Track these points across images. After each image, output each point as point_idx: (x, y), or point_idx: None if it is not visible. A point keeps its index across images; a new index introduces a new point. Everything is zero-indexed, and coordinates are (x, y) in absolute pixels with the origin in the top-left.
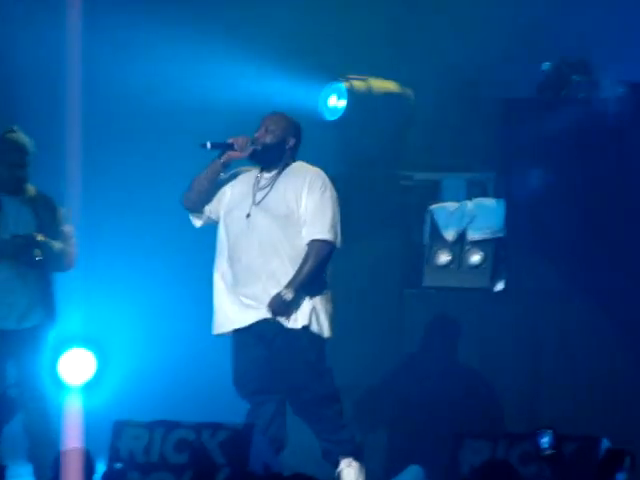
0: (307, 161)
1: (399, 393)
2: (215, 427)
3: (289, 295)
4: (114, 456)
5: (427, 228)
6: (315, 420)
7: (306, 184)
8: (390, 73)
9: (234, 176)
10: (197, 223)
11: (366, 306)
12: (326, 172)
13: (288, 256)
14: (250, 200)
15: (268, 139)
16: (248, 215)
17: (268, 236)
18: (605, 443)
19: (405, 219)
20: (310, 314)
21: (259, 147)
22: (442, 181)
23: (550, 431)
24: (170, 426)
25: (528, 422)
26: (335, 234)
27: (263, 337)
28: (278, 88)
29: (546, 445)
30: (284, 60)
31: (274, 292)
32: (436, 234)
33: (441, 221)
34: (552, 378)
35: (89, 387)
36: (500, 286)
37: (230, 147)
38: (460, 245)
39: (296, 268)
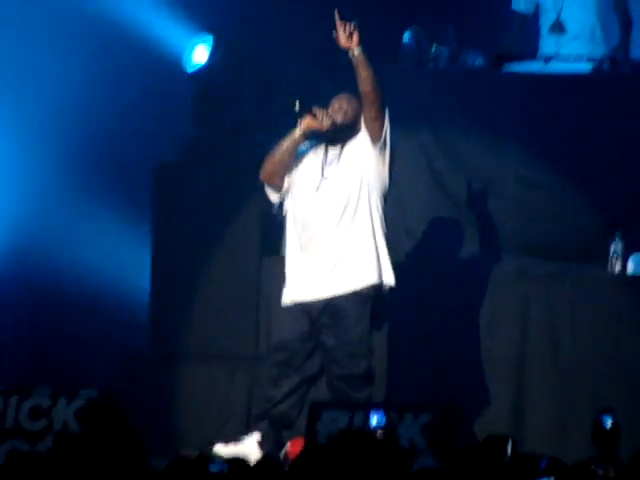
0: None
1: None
2: (71, 395)
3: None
4: None
5: None
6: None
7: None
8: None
9: (305, 151)
10: (274, 197)
11: (226, 275)
12: (186, 135)
13: (361, 220)
14: (319, 174)
15: (342, 118)
16: (317, 188)
17: (336, 210)
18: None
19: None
20: None
21: (337, 123)
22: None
23: (380, 409)
24: (25, 393)
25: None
26: None
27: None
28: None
29: (376, 424)
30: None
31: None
32: None
33: None
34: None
35: None
36: None
37: (313, 115)
38: None
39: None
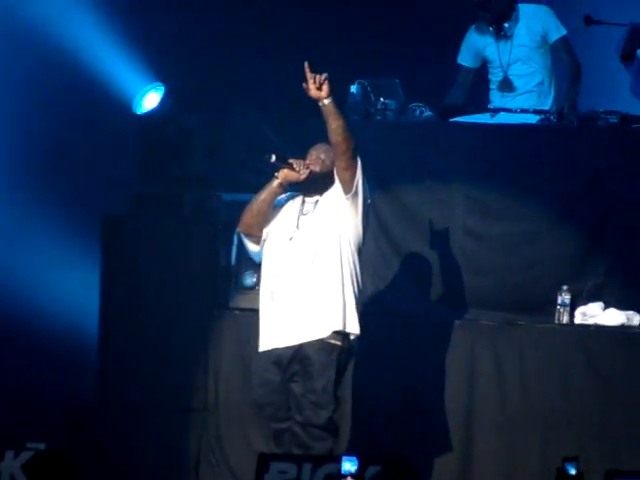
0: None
1: None
2: (18, 448)
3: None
4: None
5: (234, 250)
6: None
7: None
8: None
9: (282, 202)
10: (254, 248)
11: (176, 326)
12: (132, 189)
13: (333, 271)
14: (294, 225)
15: (320, 167)
16: (291, 238)
17: (307, 259)
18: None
19: (213, 240)
20: None
21: (315, 173)
22: None
23: (354, 457)
24: None
25: None
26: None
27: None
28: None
29: (348, 470)
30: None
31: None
32: (243, 256)
33: None
34: None
35: None
36: None
37: (290, 166)
38: None
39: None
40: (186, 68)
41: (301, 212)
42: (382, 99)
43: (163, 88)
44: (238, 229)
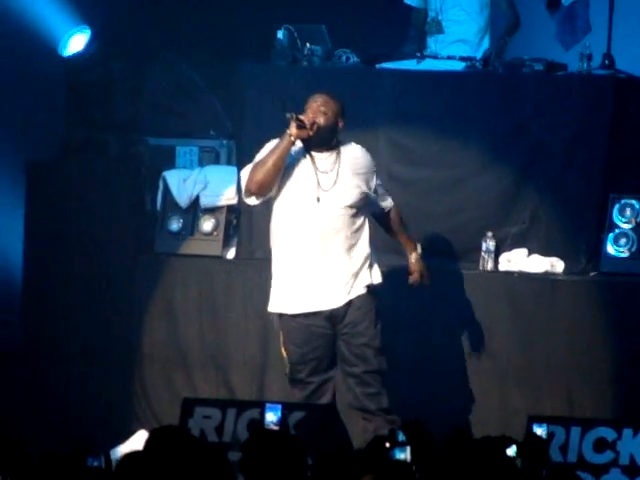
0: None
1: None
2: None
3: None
4: None
5: (160, 194)
6: None
7: (372, 166)
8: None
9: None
10: (253, 202)
11: (100, 272)
12: (53, 132)
13: (358, 230)
14: (314, 183)
15: (324, 121)
16: (318, 199)
17: (343, 221)
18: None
19: (138, 185)
20: None
21: (319, 127)
22: (176, 147)
23: (278, 406)
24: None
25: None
26: None
27: None
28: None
29: (269, 420)
30: None
31: (347, 267)
32: (169, 200)
33: (174, 187)
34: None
35: None
36: (231, 253)
37: (302, 123)
38: (193, 212)
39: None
40: (112, 11)
41: (317, 170)
42: (308, 45)
43: (89, 31)
44: (251, 188)
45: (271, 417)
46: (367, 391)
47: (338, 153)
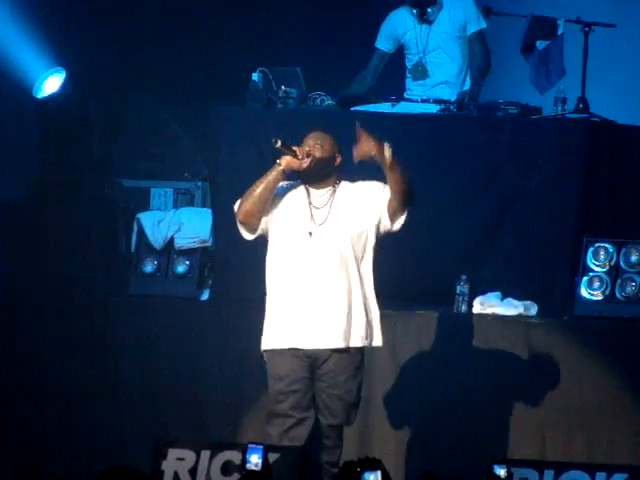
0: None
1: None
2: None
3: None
4: None
5: (134, 236)
6: None
7: (369, 183)
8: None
9: (281, 190)
10: (249, 236)
11: (75, 314)
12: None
13: (355, 274)
14: (307, 218)
15: (320, 153)
16: (310, 233)
17: (336, 258)
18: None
19: (113, 226)
20: None
21: (315, 159)
22: (150, 189)
23: (260, 447)
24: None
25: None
26: None
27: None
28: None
29: (252, 462)
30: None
31: (340, 310)
32: (143, 242)
33: (148, 229)
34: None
35: None
36: (205, 295)
37: (293, 153)
38: (167, 254)
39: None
40: (88, 53)
41: (311, 204)
42: (283, 87)
43: (64, 73)
44: (238, 217)
45: (255, 459)
46: (324, 442)
47: (334, 190)
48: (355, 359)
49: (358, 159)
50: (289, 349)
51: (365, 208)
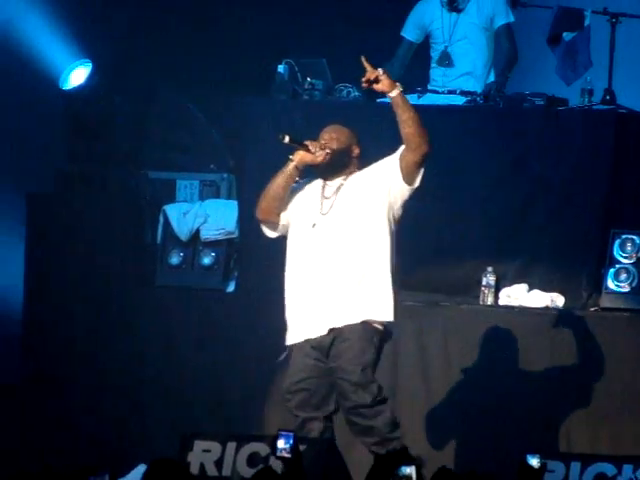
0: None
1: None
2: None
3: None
4: None
5: (160, 228)
6: None
7: (375, 164)
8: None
9: (300, 186)
10: (272, 234)
11: (102, 306)
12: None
13: (362, 258)
14: (316, 209)
15: (336, 145)
16: (314, 225)
17: (336, 246)
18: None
19: (139, 218)
20: None
21: (332, 152)
22: (176, 181)
23: (291, 434)
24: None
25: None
26: None
27: None
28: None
29: (282, 447)
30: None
31: (340, 300)
32: (169, 234)
33: (174, 221)
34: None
35: None
36: (231, 287)
37: (305, 148)
38: (193, 245)
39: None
40: (114, 45)
41: (323, 196)
42: (309, 79)
43: (91, 65)
44: (256, 215)
45: (282, 444)
46: (354, 429)
47: (346, 179)
48: (361, 336)
49: (365, 86)
50: (297, 345)
51: (373, 187)
